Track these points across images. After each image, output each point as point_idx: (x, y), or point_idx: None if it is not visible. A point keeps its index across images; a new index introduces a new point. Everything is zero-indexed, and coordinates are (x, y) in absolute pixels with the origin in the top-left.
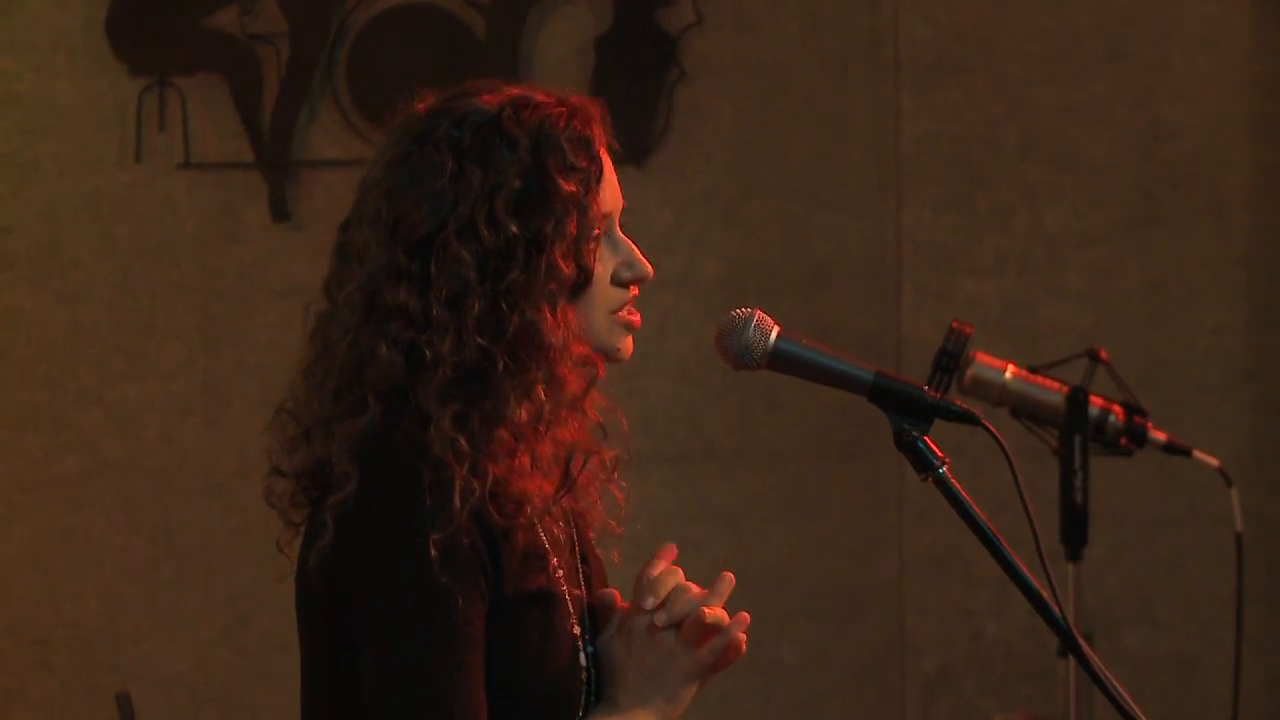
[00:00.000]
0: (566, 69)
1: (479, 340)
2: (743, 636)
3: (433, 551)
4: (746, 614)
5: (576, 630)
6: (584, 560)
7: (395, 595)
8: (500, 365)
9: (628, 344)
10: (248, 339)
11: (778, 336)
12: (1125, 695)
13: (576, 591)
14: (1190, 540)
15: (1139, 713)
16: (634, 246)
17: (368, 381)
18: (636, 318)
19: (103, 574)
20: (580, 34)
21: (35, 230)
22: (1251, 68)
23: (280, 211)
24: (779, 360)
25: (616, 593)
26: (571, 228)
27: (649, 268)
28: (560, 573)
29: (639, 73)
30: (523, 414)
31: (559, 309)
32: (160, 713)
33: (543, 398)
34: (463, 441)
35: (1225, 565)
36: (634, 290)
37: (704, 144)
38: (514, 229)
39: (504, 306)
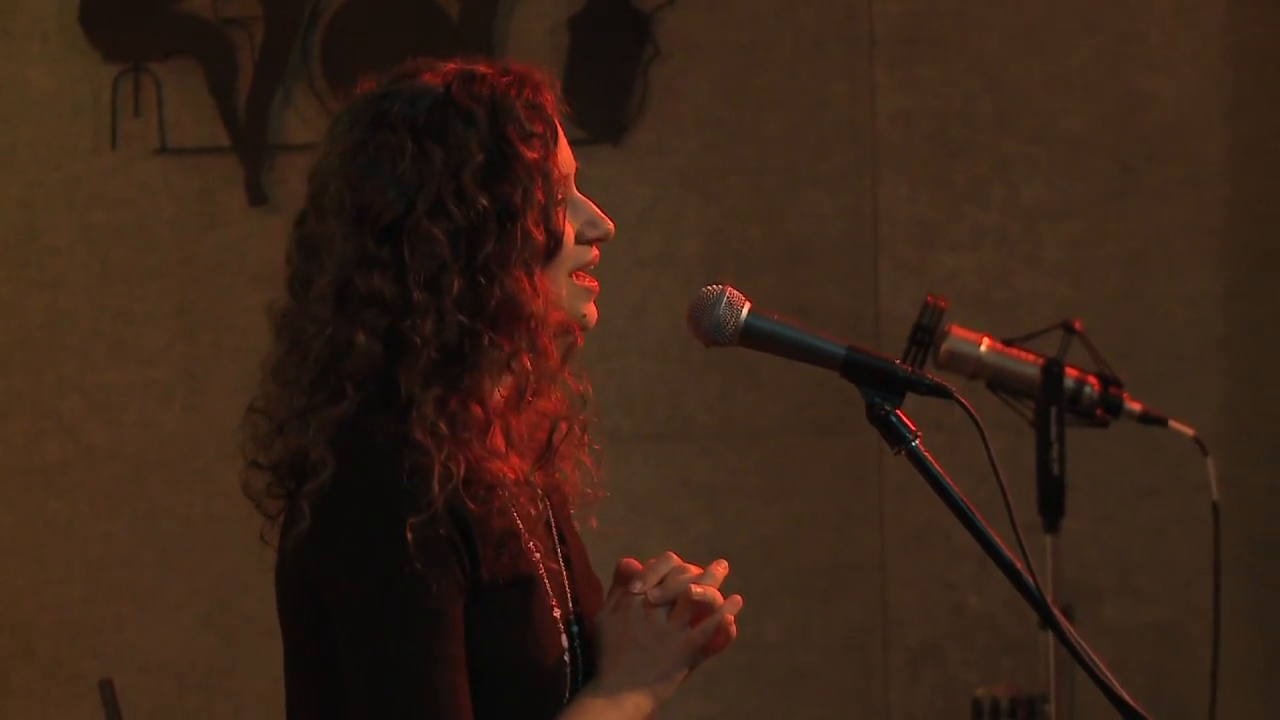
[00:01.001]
0: (541, 50)
1: (460, 317)
2: (731, 619)
3: (409, 538)
4: (739, 596)
5: (557, 613)
6: (561, 540)
7: (372, 589)
8: (485, 340)
9: (591, 310)
10: (226, 323)
11: (749, 312)
12: (1103, 667)
13: (555, 569)
14: (1168, 510)
15: (1117, 684)
16: (592, 204)
17: (345, 372)
18: (595, 283)
19: (84, 561)
20: (554, 14)
21: (12, 217)
22: (1226, 38)
23: (257, 195)
24: (751, 336)
25: (635, 562)
26: (539, 194)
27: (610, 224)
28: (537, 555)
29: (614, 52)
30: (504, 388)
31: (535, 277)
32: (144, 699)
33: (528, 368)
34: (442, 425)
35: (1204, 534)
36: (595, 251)
37: (680, 122)
38: (484, 202)
39: (482, 280)
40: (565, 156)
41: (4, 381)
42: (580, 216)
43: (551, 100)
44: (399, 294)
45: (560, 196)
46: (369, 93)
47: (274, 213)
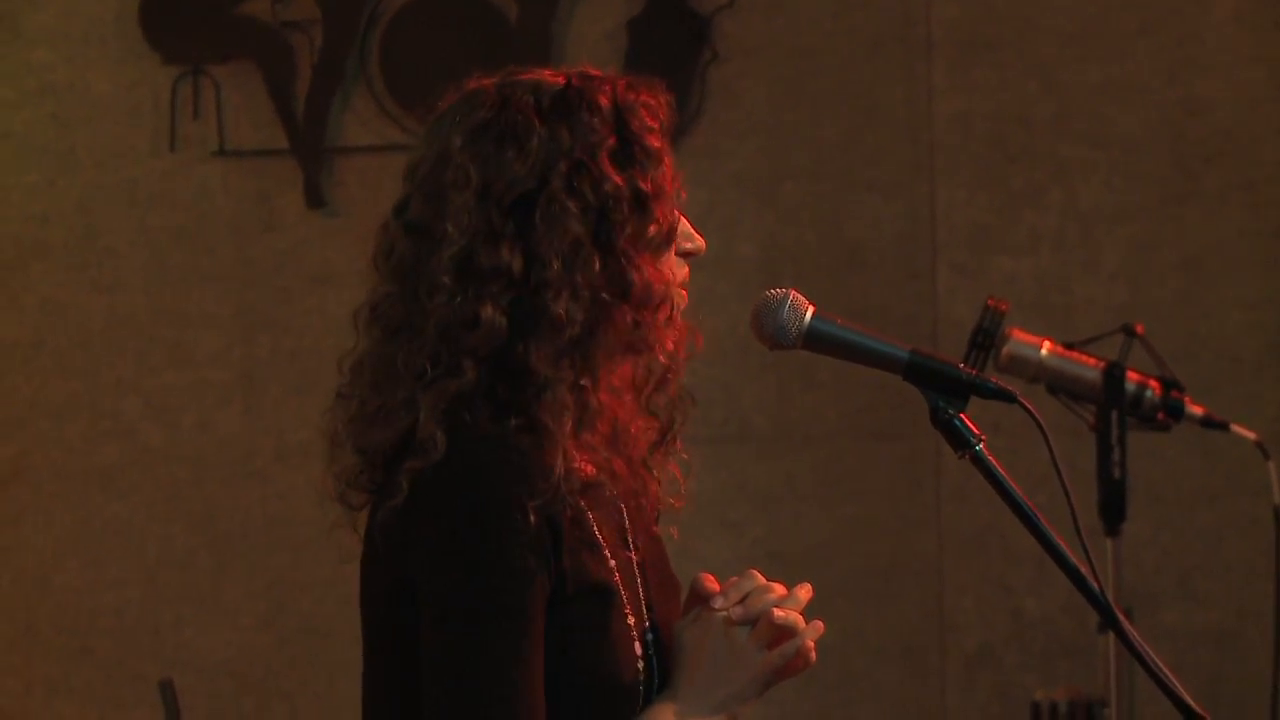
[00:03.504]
0: (599, 52)
1: (602, 295)
2: (811, 645)
3: (509, 534)
4: (821, 623)
5: (632, 621)
6: (639, 546)
7: (465, 582)
8: (623, 321)
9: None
10: (284, 326)
11: (813, 316)
12: (1165, 670)
13: (630, 575)
14: (1229, 514)
15: (1179, 687)
16: (686, 220)
17: (467, 347)
18: (684, 295)
19: (143, 562)
20: (612, 17)
21: (71, 220)
22: None
23: (315, 198)
24: (814, 340)
25: (712, 578)
26: (665, 183)
27: (703, 241)
28: (614, 563)
29: (671, 55)
30: (617, 378)
31: (661, 264)
32: (202, 699)
33: (668, 350)
34: (572, 409)
35: (1264, 539)
36: (686, 268)
37: (737, 125)
38: (619, 181)
39: (621, 260)
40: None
41: (63, 383)
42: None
43: (666, 106)
44: (526, 269)
45: (671, 191)
46: (486, 84)
47: (332, 216)
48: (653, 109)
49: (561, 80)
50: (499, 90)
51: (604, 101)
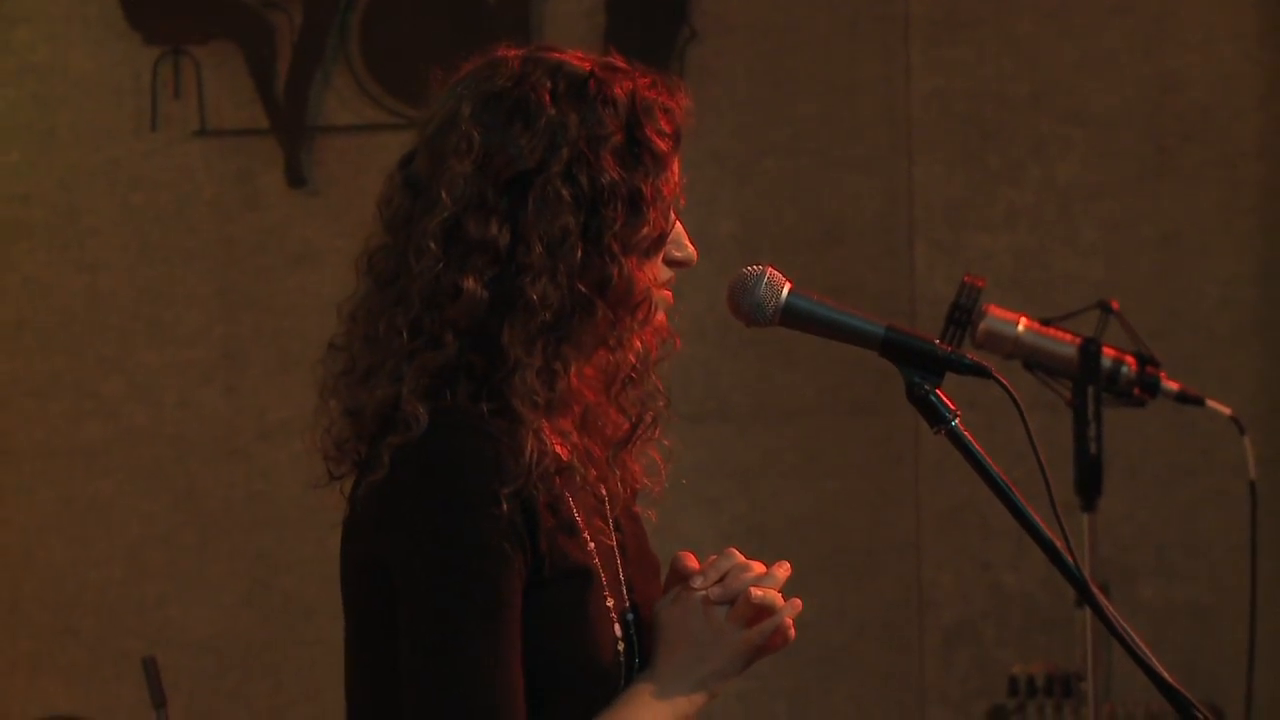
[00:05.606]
0: (577, 30)
1: (580, 287)
2: (790, 622)
3: (485, 520)
4: (799, 600)
5: (610, 602)
6: (617, 527)
7: (441, 568)
8: (599, 315)
9: (661, 320)
10: (266, 304)
11: (789, 293)
12: (1141, 644)
13: (609, 558)
14: (1204, 489)
15: (1155, 662)
16: (683, 229)
17: (448, 318)
18: (671, 295)
19: (126, 540)
20: None
21: (53, 199)
22: (1260, 19)
23: (296, 177)
24: (791, 316)
25: (691, 556)
26: (665, 189)
27: (695, 253)
28: (592, 545)
29: (650, 33)
30: (590, 369)
31: (645, 267)
32: (186, 676)
33: (638, 348)
34: (540, 393)
35: (1239, 513)
36: (672, 274)
37: (715, 103)
38: (616, 178)
39: (605, 256)
40: (676, 174)
41: (45, 363)
42: (673, 235)
43: (682, 111)
44: (512, 248)
45: (669, 198)
46: (511, 54)
47: (313, 194)
48: (670, 113)
49: (586, 66)
50: (521, 64)
51: (620, 96)
